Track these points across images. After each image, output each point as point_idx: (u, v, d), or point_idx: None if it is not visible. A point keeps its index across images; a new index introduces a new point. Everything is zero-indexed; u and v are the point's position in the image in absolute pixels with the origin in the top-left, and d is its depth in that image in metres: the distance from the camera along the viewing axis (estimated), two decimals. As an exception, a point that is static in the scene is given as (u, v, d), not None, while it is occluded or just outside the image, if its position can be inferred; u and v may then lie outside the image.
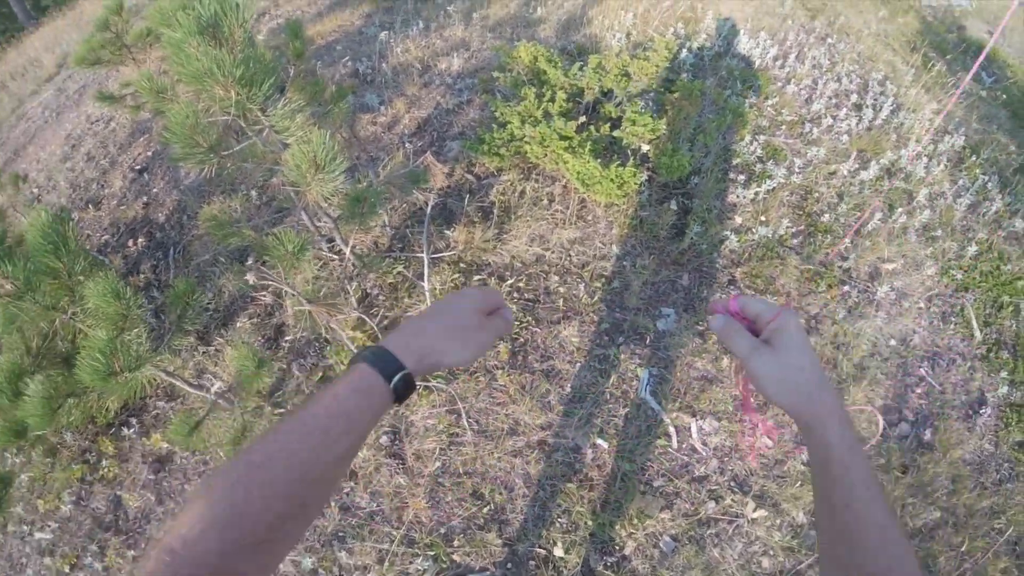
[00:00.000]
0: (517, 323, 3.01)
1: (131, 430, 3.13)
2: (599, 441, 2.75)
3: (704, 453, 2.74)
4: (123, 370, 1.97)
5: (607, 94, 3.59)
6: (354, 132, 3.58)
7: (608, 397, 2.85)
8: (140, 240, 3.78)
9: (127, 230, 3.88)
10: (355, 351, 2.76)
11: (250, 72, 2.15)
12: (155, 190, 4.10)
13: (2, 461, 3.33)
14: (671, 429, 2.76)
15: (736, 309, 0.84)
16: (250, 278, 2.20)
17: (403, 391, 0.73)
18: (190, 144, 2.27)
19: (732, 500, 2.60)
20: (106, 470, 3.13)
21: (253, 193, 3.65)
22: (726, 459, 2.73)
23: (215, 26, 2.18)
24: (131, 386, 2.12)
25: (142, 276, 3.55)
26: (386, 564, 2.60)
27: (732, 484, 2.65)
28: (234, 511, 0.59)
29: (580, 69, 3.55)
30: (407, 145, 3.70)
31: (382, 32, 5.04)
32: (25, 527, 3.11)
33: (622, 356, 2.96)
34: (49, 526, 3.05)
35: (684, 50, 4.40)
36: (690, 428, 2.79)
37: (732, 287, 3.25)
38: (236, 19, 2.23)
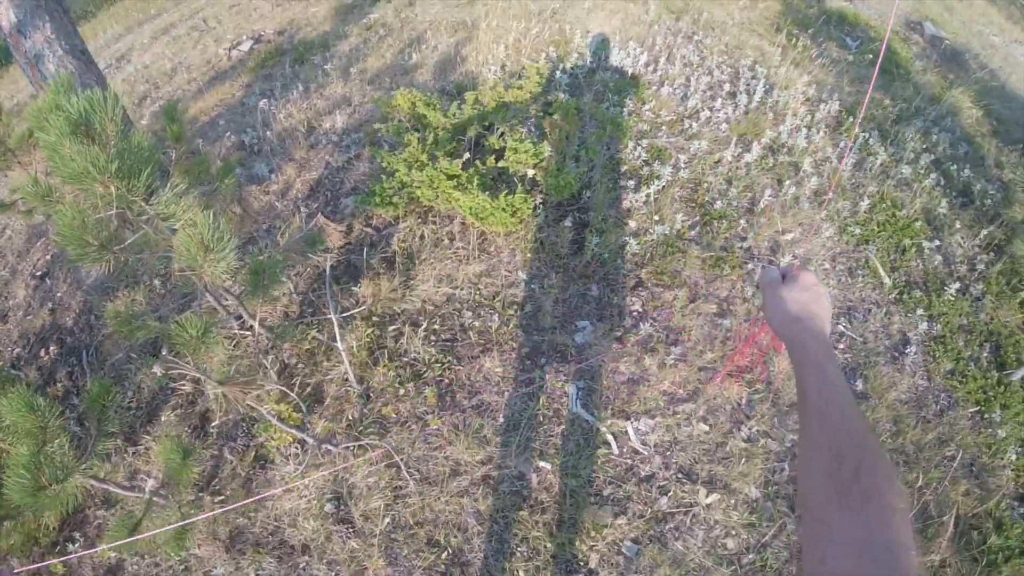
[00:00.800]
0: (439, 364, 3.07)
1: (76, 545, 3.05)
2: (541, 463, 2.80)
3: (646, 452, 2.82)
4: (51, 483, 1.95)
5: (488, 127, 3.72)
6: (244, 206, 3.60)
7: (541, 419, 2.92)
8: (52, 348, 3.69)
9: (37, 339, 3.78)
10: (280, 425, 2.76)
11: (127, 165, 2.17)
12: (59, 294, 4.01)
13: None
14: (609, 437, 2.84)
15: (777, 273, 1.11)
16: (157, 370, 2.20)
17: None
18: (81, 244, 2.27)
19: (683, 491, 2.67)
20: (60, 592, 3.03)
21: (156, 282, 3.62)
22: (668, 453, 2.80)
23: (87, 123, 2.18)
24: (62, 499, 2.09)
25: (59, 384, 3.48)
26: (351, 633, 2.60)
27: (679, 476, 2.73)
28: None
29: (459, 108, 3.67)
30: (302, 209, 3.74)
31: (262, 100, 5.08)
32: None
33: (547, 376, 3.04)
34: None
35: (558, 72, 4.58)
36: (627, 431, 2.87)
37: (640, 289, 3.38)
38: (107, 114, 2.23)
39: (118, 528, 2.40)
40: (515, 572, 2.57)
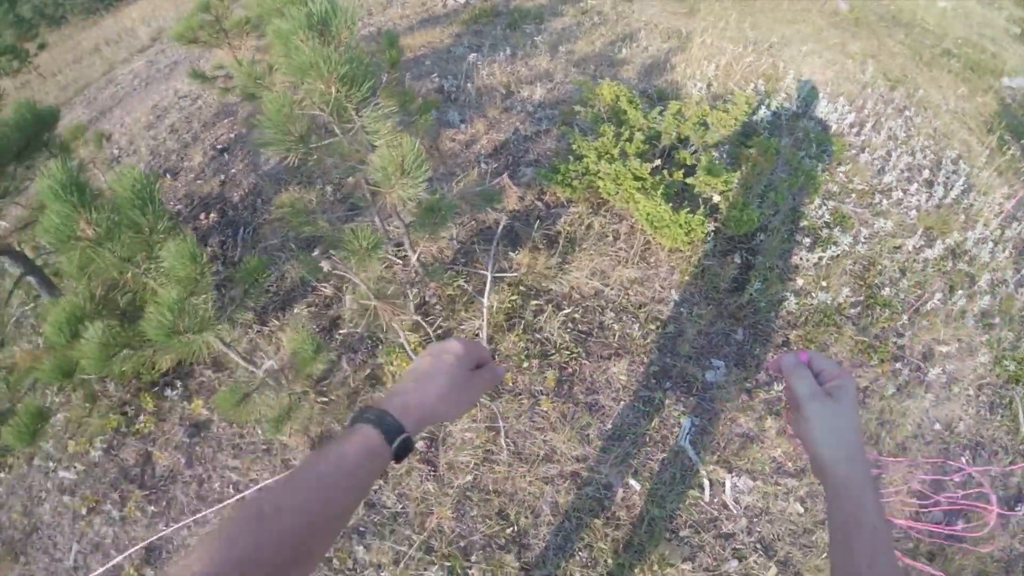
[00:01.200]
0: (568, 352, 3.04)
1: (174, 392, 3.22)
2: (632, 482, 2.74)
3: (735, 511, 2.70)
4: (187, 330, 2.01)
5: (683, 141, 3.62)
6: (437, 145, 3.67)
7: (647, 440, 2.84)
8: (212, 215, 3.90)
9: (201, 204, 4.01)
10: (410, 354, 2.81)
11: (352, 71, 2.22)
12: (233, 171, 4.23)
13: (43, 397, 3.42)
14: (705, 481, 2.74)
15: (805, 360, 0.89)
16: (325, 266, 2.27)
17: (402, 453, 0.78)
18: (282, 131, 2.35)
19: (755, 561, 2.55)
20: (142, 425, 3.21)
21: (328, 188, 3.76)
22: (756, 520, 2.68)
23: (324, 23, 2.25)
24: (190, 348, 2.16)
25: (209, 249, 3.67)
26: (401, 566, 2.61)
27: (758, 546, 2.61)
28: (243, 556, 0.63)
29: (660, 113, 3.59)
30: (483, 165, 3.78)
31: (471, 54, 5.17)
32: (51, 464, 3.19)
33: (667, 401, 2.95)
34: (75, 467, 3.13)
35: (763, 107, 4.42)
36: (724, 483, 2.76)
37: (785, 348, 3.22)
38: (344, 20, 2.30)
39: (230, 393, 2.48)
40: (570, 573, 2.53)
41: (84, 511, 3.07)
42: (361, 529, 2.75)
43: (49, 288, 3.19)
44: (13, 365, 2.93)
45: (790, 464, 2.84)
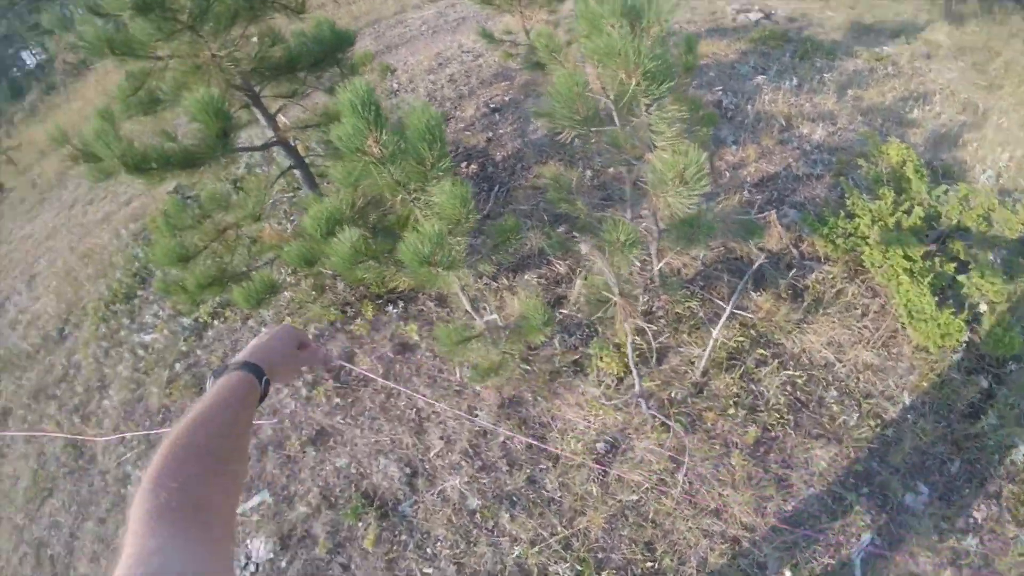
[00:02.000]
0: (778, 416, 2.88)
1: (395, 310, 3.45)
2: (788, 573, 2.55)
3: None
4: (438, 264, 2.09)
5: (963, 231, 3.28)
6: (712, 161, 3.61)
7: (821, 539, 2.63)
8: (472, 167, 4.12)
9: (464, 153, 4.25)
10: (628, 354, 2.78)
11: (657, 68, 2.21)
12: (501, 132, 4.44)
13: (278, 273, 3.76)
14: (861, 605, 2.49)
15: None
16: (584, 247, 2.30)
17: (265, 391, 1.07)
18: (569, 108, 2.41)
19: None
20: (357, 328, 3.48)
21: (588, 173, 3.83)
22: None
23: (637, 13, 2.24)
24: (434, 280, 2.30)
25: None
26: (535, 548, 2.64)
27: None
28: (198, 447, 0.86)
29: (944, 193, 3.27)
30: (746, 192, 3.66)
31: (758, 76, 5.02)
32: (263, 329, 3.56)
33: (857, 507, 2.70)
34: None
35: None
36: (875, 618, 2.49)
37: (994, 502, 2.82)
38: (657, 14, 2.28)
39: (454, 333, 2.60)
40: None
41: (277, 380, 3.38)
42: (513, 498, 2.80)
43: (311, 184, 3.52)
44: (259, 238, 3.30)
45: None
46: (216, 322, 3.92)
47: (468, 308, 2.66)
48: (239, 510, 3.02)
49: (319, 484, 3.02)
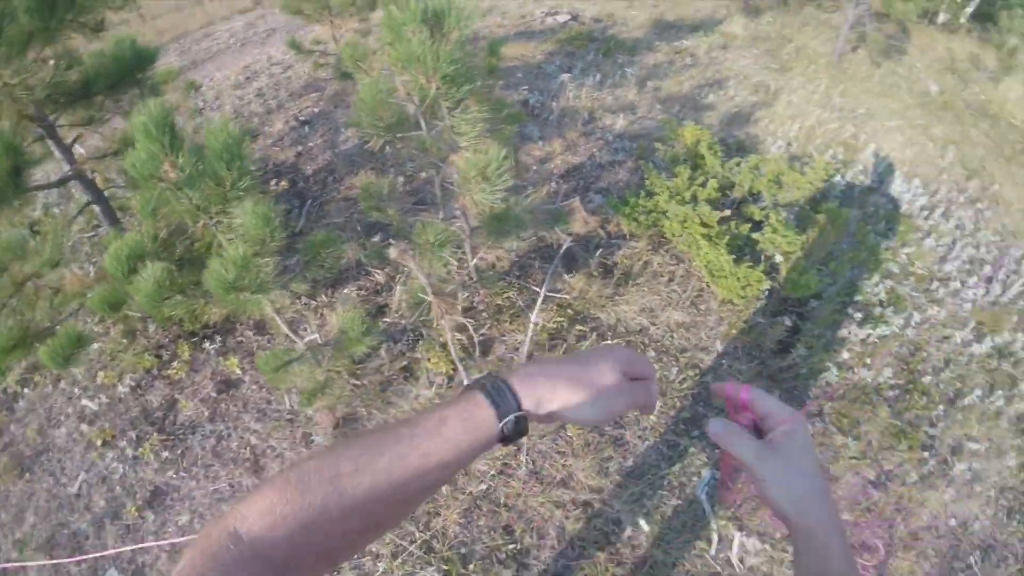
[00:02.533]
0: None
1: (212, 346, 3.29)
2: (642, 522, 2.73)
3: (738, 570, 2.66)
4: (245, 289, 2.04)
5: (755, 196, 3.62)
6: (516, 157, 3.73)
7: (665, 484, 2.83)
8: (283, 183, 4.01)
9: (274, 170, 4.12)
10: (452, 353, 2.85)
11: (456, 72, 2.27)
12: (311, 144, 4.35)
13: (83, 324, 3.47)
14: (715, 535, 2.71)
15: (746, 400, 0.78)
16: (392, 252, 2.31)
17: (513, 434, 0.68)
18: (373, 116, 2.42)
19: None
20: (174, 371, 3.28)
21: (400, 179, 3.84)
22: None
23: (437, 19, 2.29)
24: (244, 306, 2.20)
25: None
26: (399, 560, 2.65)
27: None
28: (309, 516, 0.58)
29: (737, 164, 3.59)
30: (554, 184, 3.83)
31: (564, 74, 5.23)
32: (76, 390, 3.27)
33: (692, 450, 2.94)
34: (99, 399, 3.19)
35: (838, 175, 4.38)
36: (733, 541, 2.73)
37: (817, 419, 3.18)
38: (454, 20, 2.34)
39: (274, 357, 2.53)
40: None
41: (99, 443, 3.13)
42: (369, 516, 2.79)
43: (112, 220, 3.29)
44: (61, 287, 3.04)
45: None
46: (26, 390, 3.57)
47: (287, 331, 2.61)
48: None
49: (166, 549, 2.86)
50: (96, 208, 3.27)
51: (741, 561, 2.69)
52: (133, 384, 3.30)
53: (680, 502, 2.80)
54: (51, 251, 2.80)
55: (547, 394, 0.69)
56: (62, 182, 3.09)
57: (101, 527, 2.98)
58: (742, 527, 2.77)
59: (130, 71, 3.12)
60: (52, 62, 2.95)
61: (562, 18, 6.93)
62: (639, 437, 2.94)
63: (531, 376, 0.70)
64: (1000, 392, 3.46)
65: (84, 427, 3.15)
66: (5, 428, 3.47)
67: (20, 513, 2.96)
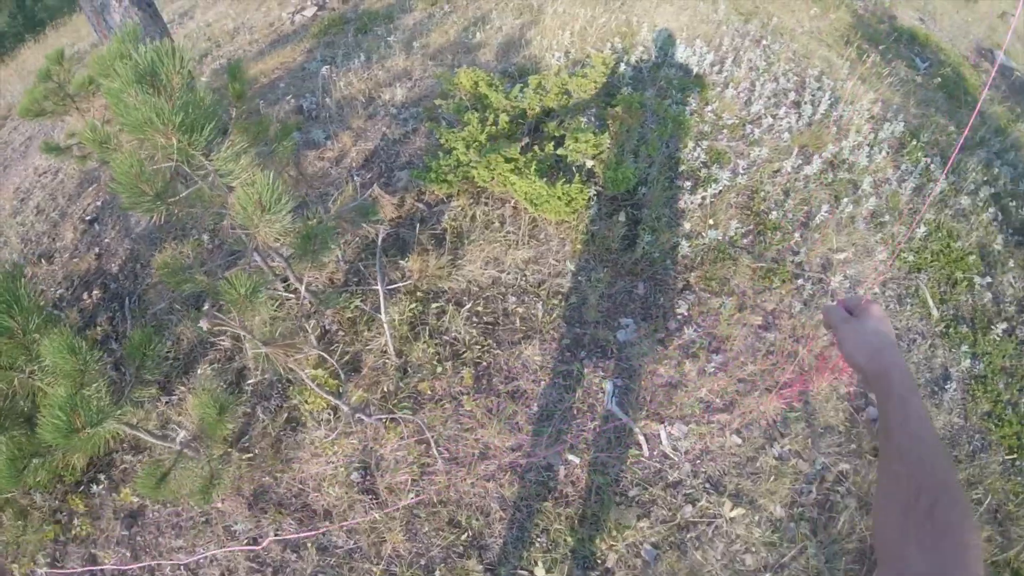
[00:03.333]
0: (479, 346, 3.05)
1: (100, 486, 3.09)
2: (570, 457, 2.77)
3: (676, 458, 2.77)
4: (85, 426, 1.94)
5: (549, 114, 3.66)
6: (300, 169, 3.60)
7: (576, 412, 2.89)
8: (95, 292, 3.73)
9: (81, 283, 3.83)
10: (317, 390, 2.76)
11: (190, 118, 2.16)
12: (107, 240, 4.06)
13: None
14: (641, 438, 2.79)
15: (840, 302, 1.12)
16: (204, 324, 2.20)
17: None
18: (136, 193, 2.26)
19: (708, 502, 2.64)
20: (79, 529, 3.07)
21: (204, 237, 3.64)
22: (698, 462, 2.76)
23: (153, 74, 2.18)
24: (94, 442, 2.10)
25: (99, 329, 3.51)
26: (368, 603, 2.60)
27: (707, 486, 2.69)
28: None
29: (521, 91, 3.61)
30: (356, 178, 3.73)
31: (324, 67, 5.06)
32: None
33: (586, 370, 3.00)
34: None
35: (623, 64, 4.50)
36: (659, 435, 2.83)
37: (688, 292, 3.31)
38: (173, 66, 2.23)
39: (148, 475, 2.41)
40: (533, 561, 2.56)
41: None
42: (319, 575, 2.71)
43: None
44: None
45: (718, 400, 2.93)
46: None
47: (155, 441, 2.46)
48: None
49: None
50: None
51: (675, 449, 2.79)
52: (49, 559, 3.06)
53: (597, 422, 2.86)
54: None
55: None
56: None
57: None
58: (663, 419, 2.87)
59: None
60: None
61: (309, 11, 6.76)
62: (533, 382, 2.97)
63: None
64: (846, 200, 3.71)
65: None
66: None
67: None
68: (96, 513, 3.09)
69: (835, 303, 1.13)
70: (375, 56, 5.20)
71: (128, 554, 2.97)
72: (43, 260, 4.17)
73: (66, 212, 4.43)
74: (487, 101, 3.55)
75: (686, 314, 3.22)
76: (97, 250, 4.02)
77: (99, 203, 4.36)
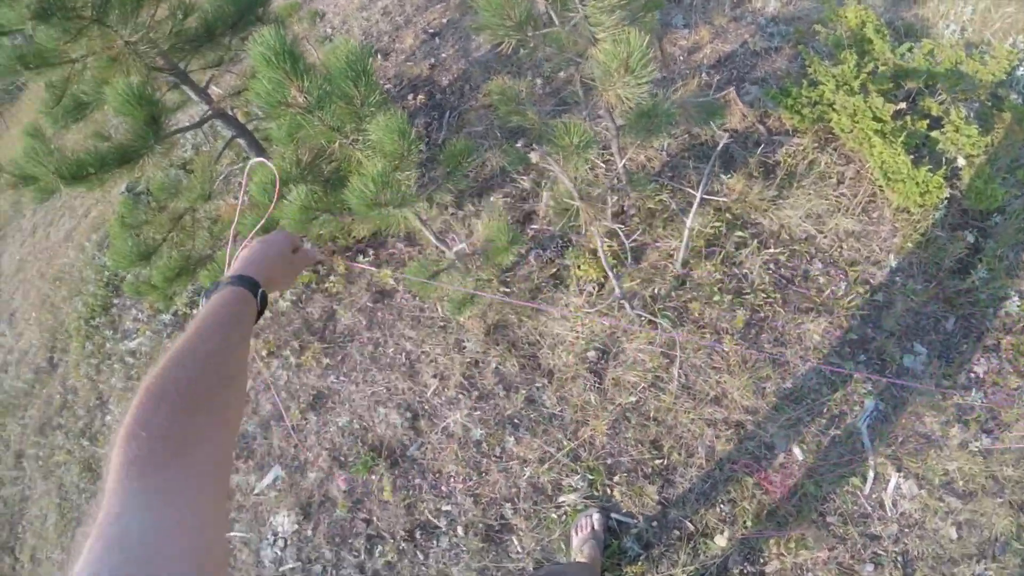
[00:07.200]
0: (765, 295, 2.85)
1: (366, 259, 3.38)
2: (796, 450, 2.57)
3: (889, 513, 2.44)
4: (388, 204, 2.04)
5: (931, 87, 3.19)
6: (661, 46, 3.46)
7: (825, 411, 2.62)
8: (420, 97, 3.97)
9: (409, 85, 4.08)
10: (603, 260, 2.72)
11: None
12: (444, 55, 4.26)
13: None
14: (871, 473, 2.50)
15: None
16: (533, 156, 2.20)
17: (262, 305, 1.04)
18: (499, 16, 2.26)
19: (890, 574, 2.33)
20: (331, 285, 3.42)
21: (538, 81, 3.69)
22: (907, 530, 2.41)
23: None
24: (389, 220, 2.24)
25: (415, 130, 3.75)
26: (545, 466, 2.65)
27: (899, 559, 2.36)
28: (176, 386, 0.74)
29: (909, 51, 3.17)
30: (704, 75, 3.54)
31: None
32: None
33: (856, 376, 2.69)
34: (264, 314, 3.40)
35: (1021, 68, 3.78)
36: (889, 481, 2.49)
37: (993, 354, 2.80)
38: None
39: (420, 268, 2.55)
40: (706, 522, 2.46)
41: (264, 353, 3.35)
42: (516, 421, 2.79)
43: (258, 150, 3.41)
44: (218, 216, 3.21)
45: (961, 483, 2.51)
46: (195, 311, 3.84)
47: (435, 242, 2.58)
48: (255, 490, 3.03)
49: (326, 447, 3.01)
50: (241, 141, 3.39)
51: (894, 504, 2.46)
52: (294, 298, 3.47)
53: (838, 432, 2.59)
54: (201, 186, 2.98)
55: (267, 279, 1.06)
56: (202, 122, 3.21)
57: (268, 428, 3.18)
58: (900, 468, 2.52)
59: (248, 8, 3.18)
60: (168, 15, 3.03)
61: None
62: (800, 357, 2.72)
63: (253, 268, 1.06)
64: None
65: (251, 340, 3.36)
66: (177, 344, 3.78)
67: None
68: (352, 279, 3.40)
69: None
70: (755, -42, 4.80)
71: (364, 322, 3.26)
72: (379, 55, 4.49)
73: (411, 20, 4.70)
74: (869, 47, 3.15)
75: (980, 375, 2.74)
76: (432, 61, 4.23)
77: (444, 20, 4.57)
